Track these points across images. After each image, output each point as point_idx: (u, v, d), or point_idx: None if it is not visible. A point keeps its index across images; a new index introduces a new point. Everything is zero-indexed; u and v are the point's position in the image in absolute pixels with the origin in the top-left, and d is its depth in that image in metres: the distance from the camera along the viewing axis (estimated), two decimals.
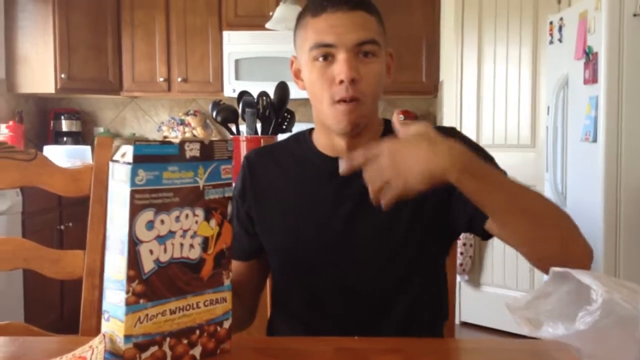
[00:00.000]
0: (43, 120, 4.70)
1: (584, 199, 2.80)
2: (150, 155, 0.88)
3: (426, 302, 1.26)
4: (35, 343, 0.94)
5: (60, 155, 3.92)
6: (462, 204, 1.17)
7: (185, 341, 0.93)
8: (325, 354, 0.99)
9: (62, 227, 3.50)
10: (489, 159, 1.21)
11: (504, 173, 1.17)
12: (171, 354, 0.92)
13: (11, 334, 1.19)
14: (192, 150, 0.93)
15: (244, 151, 2.79)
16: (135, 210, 0.87)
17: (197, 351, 0.94)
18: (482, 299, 3.78)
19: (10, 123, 4.08)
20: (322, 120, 1.23)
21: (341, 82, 1.16)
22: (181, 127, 4.80)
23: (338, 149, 1.25)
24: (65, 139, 4.61)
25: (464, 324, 3.79)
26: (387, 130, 1.27)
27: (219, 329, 0.97)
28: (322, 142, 1.28)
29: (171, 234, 0.90)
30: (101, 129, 4.85)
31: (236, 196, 1.31)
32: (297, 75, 1.28)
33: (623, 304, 0.73)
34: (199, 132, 4.78)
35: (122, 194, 0.87)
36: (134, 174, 0.86)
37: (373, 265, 1.23)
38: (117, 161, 0.88)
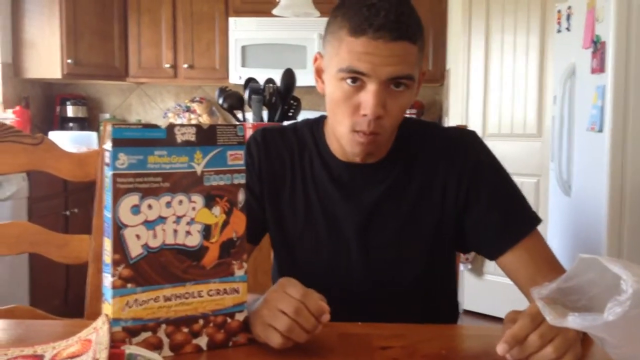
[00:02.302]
0: (49, 106, 4.70)
1: (589, 189, 2.79)
2: (131, 139, 0.88)
3: (438, 306, 1.27)
4: (41, 326, 0.95)
5: (65, 141, 3.93)
6: (477, 235, 1.20)
7: (185, 330, 0.92)
8: (329, 339, 0.99)
9: (68, 212, 3.51)
10: (508, 181, 1.23)
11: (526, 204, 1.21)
12: (169, 342, 0.91)
13: (17, 318, 1.20)
14: (185, 135, 0.91)
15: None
16: (117, 194, 0.87)
17: (202, 341, 0.93)
18: (484, 288, 3.79)
19: (17, 108, 4.10)
20: (337, 136, 1.18)
21: (365, 115, 1.09)
22: (187, 114, 4.80)
23: (351, 157, 1.20)
24: (71, 124, 4.62)
25: (467, 312, 3.80)
26: (403, 131, 1.22)
27: (229, 320, 0.95)
28: (335, 146, 1.24)
29: (161, 219, 0.90)
30: (107, 115, 4.85)
31: (248, 172, 1.21)
32: (319, 74, 1.20)
33: None
34: (204, 119, 4.78)
35: (107, 177, 0.88)
36: (114, 157, 0.87)
37: (384, 273, 1.21)
38: (105, 145, 0.88)
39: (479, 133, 3.89)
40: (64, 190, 3.52)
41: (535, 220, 1.20)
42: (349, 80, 1.10)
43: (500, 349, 0.84)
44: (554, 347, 0.82)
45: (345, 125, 1.13)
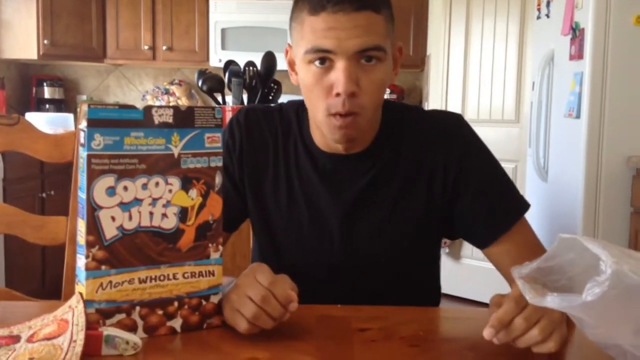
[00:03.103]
0: (25, 87, 4.63)
1: (565, 175, 2.82)
2: (107, 120, 0.87)
3: (420, 294, 1.26)
4: (17, 307, 0.94)
5: (42, 122, 3.87)
6: (465, 225, 1.19)
7: (160, 312, 0.92)
8: (308, 321, 0.99)
9: (44, 195, 3.47)
10: (496, 167, 1.20)
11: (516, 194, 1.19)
12: (143, 324, 0.91)
13: None
14: (162, 116, 0.90)
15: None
16: (92, 175, 0.86)
17: (176, 323, 0.93)
18: (462, 271, 3.82)
19: None
20: (317, 124, 1.14)
21: (338, 94, 1.05)
22: (166, 97, 4.76)
23: (334, 148, 1.17)
24: (47, 106, 4.56)
25: (444, 295, 3.81)
26: (386, 118, 1.19)
27: (204, 302, 0.95)
28: (318, 138, 1.19)
29: (137, 201, 0.89)
30: (84, 97, 4.80)
31: (228, 155, 1.22)
32: (292, 67, 1.16)
33: (631, 275, 0.72)
34: (183, 102, 4.75)
35: (82, 158, 0.87)
36: (90, 138, 0.85)
37: (367, 264, 1.19)
38: (80, 125, 0.87)
39: None
40: (40, 172, 3.48)
41: (523, 207, 1.19)
42: (317, 62, 1.06)
43: (487, 333, 0.84)
44: (539, 329, 0.83)
45: (322, 110, 1.08)
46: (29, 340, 0.84)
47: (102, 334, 0.84)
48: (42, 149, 1.34)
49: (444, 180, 1.17)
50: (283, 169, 1.21)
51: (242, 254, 1.32)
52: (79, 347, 0.81)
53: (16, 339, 0.86)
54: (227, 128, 1.24)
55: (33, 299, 1.23)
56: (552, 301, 0.76)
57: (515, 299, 0.84)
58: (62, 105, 4.63)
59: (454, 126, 1.20)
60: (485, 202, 1.17)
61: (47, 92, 4.57)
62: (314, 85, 1.07)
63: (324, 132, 1.13)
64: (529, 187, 3.27)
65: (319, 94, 1.08)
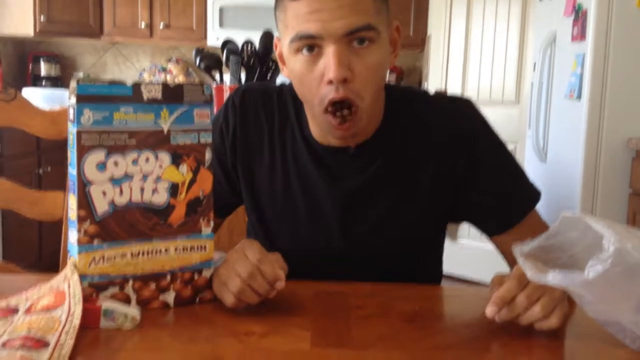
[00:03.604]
0: (21, 64, 4.61)
1: (564, 156, 2.82)
2: (97, 95, 0.86)
3: (420, 279, 1.19)
4: (14, 281, 0.94)
5: (38, 99, 3.85)
6: (474, 215, 1.15)
7: (152, 285, 0.92)
8: (305, 296, 0.99)
9: (41, 171, 3.47)
10: (507, 156, 1.14)
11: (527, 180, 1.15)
12: (136, 297, 0.91)
13: None
14: (151, 92, 0.90)
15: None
16: (82, 151, 0.85)
17: (169, 297, 0.93)
18: (458, 251, 3.83)
19: None
20: (315, 119, 1.07)
21: (330, 82, 0.98)
22: (163, 75, 4.73)
23: (332, 141, 1.10)
24: (44, 82, 4.54)
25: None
26: (390, 106, 1.11)
27: (196, 276, 0.95)
28: (315, 128, 1.12)
29: (128, 176, 0.89)
30: (81, 74, 4.77)
31: (221, 140, 1.17)
32: (282, 59, 1.08)
33: (634, 253, 0.72)
34: (181, 80, 4.72)
35: (71, 134, 0.86)
36: (79, 113, 0.85)
37: (366, 258, 1.14)
38: (70, 101, 0.87)
39: None
40: (37, 148, 3.47)
41: (535, 197, 1.15)
42: (304, 50, 0.98)
43: (489, 311, 0.85)
44: (541, 306, 0.83)
45: (316, 104, 1.01)
46: (27, 312, 0.84)
47: (100, 307, 0.84)
48: (38, 125, 1.33)
49: (454, 171, 1.11)
50: (279, 158, 1.15)
51: (239, 231, 1.32)
52: (76, 320, 0.81)
53: (14, 310, 0.86)
54: (223, 110, 1.19)
55: (30, 272, 1.23)
56: (553, 278, 0.76)
57: (517, 277, 0.84)
58: (58, 82, 4.61)
59: (464, 115, 1.13)
60: (498, 194, 1.12)
61: (44, 69, 4.54)
62: (304, 75, 1.00)
63: (323, 129, 1.07)
64: (528, 168, 3.27)
65: (311, 85, 1.00)
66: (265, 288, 0.89)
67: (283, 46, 1.04)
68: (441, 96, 1.18)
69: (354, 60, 0.98)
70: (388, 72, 0.93)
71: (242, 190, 1.19)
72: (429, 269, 1.25)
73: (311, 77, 1.00)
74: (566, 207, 2.72)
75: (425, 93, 1.19)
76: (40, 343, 0.74)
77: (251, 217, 1.21)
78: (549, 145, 3.02)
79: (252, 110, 1.17)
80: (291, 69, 1.03)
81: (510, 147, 1.15)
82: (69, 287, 0.86)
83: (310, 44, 0.98)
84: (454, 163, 1.11)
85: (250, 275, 0.88)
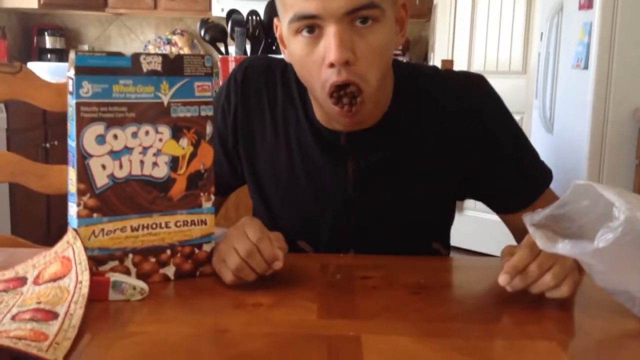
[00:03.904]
0: (26, 37, 4.59)
1: (571, 126, 2.81)
2: (96, 67, 0.85)
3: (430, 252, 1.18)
4: (23, 254, 0.94)
5: (44, 72, 3.82)
6: (487, 196, 1.14)
7: (152, 259, 0.92)
8: (311, 269, 1.00)
9: (48, 145, 3.48)
10: (521, 137, 1.12)
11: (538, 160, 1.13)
12: (136, 271, 0.91)
13: None
14: (151, 64, 0.89)
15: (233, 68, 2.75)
16: (82, 123, 0.85)
17: (169, 271, 0.94)
18: (464, 223, 3.84)
19: None
20: (320, 104, 1.02)
21: (332, 65, 0.93)
22: (168, 47, 4.71)
23: (337, 126, 1.06)
24: (49, 56, 4.53)
25: None
26: (399, 86, 1.07)
27: (197, 251, 0.95)
28: (319, 112, 1.08)
29: (127, 150, 0.89)
30: (85, 47, 4.75)
31: (223, 120, 1.14)
32: (282, 42, 1.04)
33: None
34: (186, 52, 4.70)
35: (71, 106, 0.86)
36: (78, 85, 0.85)
37: (372, 242, 1.11)
38: (68, 73, 0.87)
39: (464, 69, 3.85)
40: (44, 122, 3.47)
41: (548, 177, 1.14)
42: (304, 32, 0.94)
43: (502, 279, 0.85)
44: (552, 275, 0.83)
45: (319, 88, 0.97)
46: (35, 282, 0.85)
47: (109, 280, 0.85)
48: (44, 98, 1.33)
49: (467, 152, 1.08)
50: (282, 139, 1.11)
51: (245, 205, 1.32)
52: (85, 289, 0.82)
53: (22, 280, 0.87)
54: (225, 88, 1.16)
55: (39, 246, 1.24)
56: (563, 247, 0.76)
57: (529, 247, 0.84)
58: (63, 55, 4.59)
59: (478, 95, 1.09)
60: (513, 173, 1.11)
61: (49, 42, 4.53)
62: (305, 58, 0.96)
63: (329, 114, 1.03)
64: (534, 138, 3.26)
65: (312, 68, 0.96)
66: (263, 267, 0.89)
67: (282, 28, 1.00)
68: (452, 74, 1.14)
69: (356, 41, 0.93)
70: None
71: (244, 170, 1.17)
72: (438, 244, 1.22)
73: (312, 60, 0.95)
74: (573, 178, 2.71)
75: (436, 70, 1.14)
76: (50, 315, 0.76)
77: (254, 197, 1.19)
78: (555, 116, 3.01)
79: (254, 88, 1.13)
80: (291, 52, 0.99)
81: (517, 118, 1.14)
82: (73, 253, 0.87)
83: (310, 25, 0.93)
84: (468, 143, 1.08)
85: (249, 254, 0.88)
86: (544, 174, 1.14)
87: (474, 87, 1.10)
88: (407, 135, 1.08)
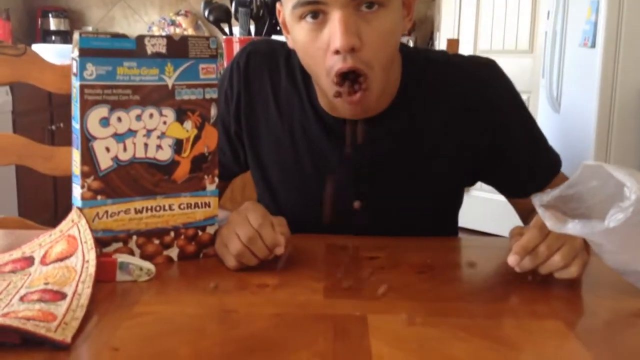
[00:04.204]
0: (30, 19, 4.57)
1: (578, 106, 2.79)
2: (100, 49, 0.85)
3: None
4: (30, 236, 0.95)
5: (49, 54, 3.81)
6: (497, 182, 1.14)
7: (156, 241, 0.93)
8: (317, 249, 1.01)
9: (54, 127, 3.48)
10: (532, 124, 1.11)
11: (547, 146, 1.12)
12: (140, 252, 0.92)
13: (6, 228, 1.21)
14: (156, 46, 0.88)
15: (236, 52, 2.74)
16: (85, 106, 0.85)
17: (173, 252, 0.94)
18: (470, 204, 3.82)
19: None
20: (321, 88, 1.00)
21: (337, 52, 0.91)
22: (172, 28, 4.69)
23: (342, 112, 1.03)
24: (53, 37, 4.51)
25: None
26: (407, 72, 1.05)
27: (200, 233, 0.95)
28: (322, 98, 1.06)
29: (131, 132, 0.89)
30: (89, 29, 4.73)
31: (226, 106, 1.13)
32: (286, 27, 1.01)
33: None
34: (190, 33, 4.68)
35: (75, 88, 0.86)
36: (82, 67, 0.84)
37: (383, 227, 1.08)
38: (72, 54, 0.86)
39: (470, 49, 3.83)
40: (49, 104, 3.47)
41: (558, 164, 1.13)
42: (308, 18, 0.92)
43: (511, 260, 0.85)
44: (561, 255, 0.83)
45: (323, 76, 0.95)
46: (42, 262, 0.86)
47: (116, 261, 0.86)
48: (49, 80, 1.33)
49: (479, 139, 1.07)
50: (287, 127, 1.10)
51: (252, 187, 1.32)
52: (91, 268, 0.82)
53: (30, 261, 0.87)
54: (228, 73, 1.14)
55: (46, 227, 1.25)
56: (573, 228, 0.76)
57: (538, 227, 0.84)
58: (67, 36, 4.58)
59: (490, 82, 1.07)
60: (524, 163, 1.10)
61: (53, 24, 4.51)
62: (309, 44, 0.94)
63: (331, 100, 1.00)
64: (541, 118, 3.24)
65: (316, 55, 0.94)
66: (265, 253, 0.89)
67: (285, 13, 0.98)
68: (462, 60, 1.11)
69: (362, 26, 0.90)
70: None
71: (248, 157, 1.16)
72: (445, 230, 1.21)
73: (316, 47, 0.93)
74: (580, 158, 2.70)
75: (445, 56, 1.12)
76: (58, 295, 0.76)
77: (259, 184, 1.18)
78: (562, 95, 2.99)
79: (257, 75, 1.11)
80: (294, 39, 0.97)
81: (523, 97, 1.13)
82: (79, 232, 0.87)
83: (314, 10, 0.91)
84: (480, 131, 1.07)
85: (250, 240, 0.88)
86: (554, 160, 1.14)
87: (486, 73, 1.08)
88: (415, 123, 1.06)
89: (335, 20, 0.89)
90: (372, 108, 1.02)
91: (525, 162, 1.10)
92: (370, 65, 0.93)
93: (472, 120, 1.06)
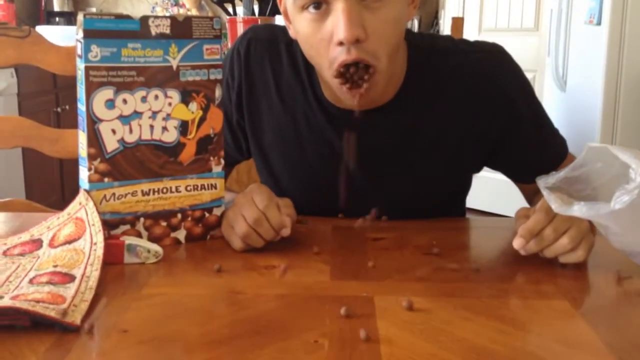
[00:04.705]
0: (34, 0, 4.55)
1: (584, 84, 2.77)
2: (104, 31, 0.85)
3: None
4: (38, 218, 0.95)
5: (54, 36, 3.81)
6: (505, 168, 1.13)
7: (164, 223, 0.93)
8: (323, 231, 1.01)
9: (59, 109, 3.48)
10: (539, 110, 1.10)
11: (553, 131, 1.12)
12: (147, 234, 0.92)
13: (14, 211, 1.22)
14: (160, 27, 0.88)
15: (240, 33, 2.73)
16: (91, 88, 0.85)
17: (180, 234, 0.95)
18: (476, 184, 3.83)
19: (1, 2, 3.96)
20: (328, 83, 0.98)
21: (341, 43, 0.88)
22: (175, 8, 4.66)
23: (347, 103, 1.00)
24: (57, 19, 4.50)
25: None
26: (412, 59, 1.03)
27: (207, 215, 0.96)
28: (328, 90, 1.04)
29: (137, 114, 0.89)
30: (93, 9, 4.71)
31: (227, 95, 1.11)
32: (288, 17, 0.99)
33: None
34: (193, 14, 4.65)
35: (80, 70, 0.86)
36: (86, 49, 0.84)
37: (389, 215, 1.07)
38: (77, 36, 0.86)
39: (475, 28, 3.81)
40: (54, 86, 3.47)
41: (565, 149, 1.13)
42: (310, 8, 0.89)
43: (517, 243, 0.85)
44: (569, 238, 0.83)
45: (326, 68, 0.93)
46: (51, 244, 0.87)
47: (124, 243, 0.86)
48: (54, 62, 1.33)
49: (489, 127, 1.06)
50: (290, 117, 1.08)
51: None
52: (99, 250, 0.83)
53: (38, 243, 0.88)
54: (228, 61, 1.12)
55: (54, 210, 1.26)
56: (579, 210, 0.76)
57: (544, 210, 0.84)
58: (72, 18, 4.56)
59: (499, 70, 1.05)
60: (533, 150, 1.09)
61: (57, 5, 4.49)
62: (311, 35, 0.91)
63: (338, 94, 0.98)
64: (546, 97, 3.22)
65: (319, 46, 0.92)
66: (271, 234, 0.89)
67: (287, 3, 0.96)
68: (470, 47, 1.08)
69: (367, 16, 0.88)
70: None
71: (251, 145, 1.15)
72: (451, 214, 1.19)
73: (318, 38, 0.91)
74: (586, 137, 2.69)
75: (452, 42, 1.09)
76: (67, 277, 0.77)
77: (262, 173, 1.17)
78: (568, 73, 2.97)
79: (257, 64, 1.09)
80: (296, 29, 0.95)
81: (529, 75, 1.12)
82: (86, 214, 0.88)
83: (317, 0, 0.89)
84: (489, 120, 1.05)
85: (256, 221, 0.88)
86: (562, 146, 1.13)
87: (494, 62, 1.06)
88: (422, 112, 1.05)
89: (338, 11, 0.87)
90: (378, 98, 1.01)
91: (533, 151, 1.10)
92: (376, 55, 0.91)
93: (479, 109, 1.05)
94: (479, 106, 1.05)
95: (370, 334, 0.65)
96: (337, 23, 0.87)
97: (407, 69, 1.04)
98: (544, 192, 0.81)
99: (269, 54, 1.09)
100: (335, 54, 0.90)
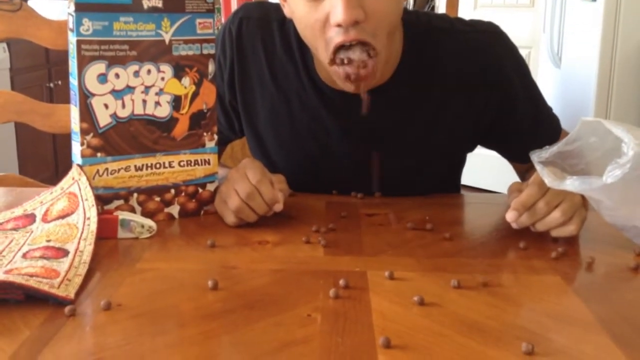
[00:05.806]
0: None
1: (579, 60, 2.77)
2: (96, 4, 0.84)
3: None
4: (32, 193, 0.95)
5: (45, 9, 3.78)
6: (500, 147, 1.13)
7: (157, 199, 0.93)
8: (317, 207, 1.01)
9: (52, 84, 3.46)
10: (535, 91, 1.10)
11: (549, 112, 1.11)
12: (141, 210, 0.92)
13: (7, 186, 1.21)
14: (151, 0, 0.88)
15: (235, 7, 2.70)
16: (83, 62, 0.85)
17: (174, 210, 0.95)
18: (470, 161, 3.83)
19: None
20: (324, 66, 0.95)
21: (338, 25, 0.86)
22: None
23: (341, 86, 0.98)
24: None
25: None
26: (409, 40, 1.02)
27: (200, 190, 0.96)
28: (323, 72, 1.02)
29: (130, 89, 0.88)
30: None
31: (219, 74, 1.09)
32: None
33: None
34: None
35: (71, 44, 0.85)
36: (78, 23, 0.84)
37: (384, 192, 1.08)
38: (68, 9, 0.85)
39: (470, 4, 3.78)
40: (47, 61, 3.44)
41: (558, 129, 1.12)
42: None
43: (510, 216, 0.85)
44: (561, 212, 0.83)
45: (322, 49, 0.91)
46: (44, 219, 0.86)
47: (117, 218, 0.86)
48: (46, 36, 1.32)
49: (483, 110, 1.06)
50: (283, 98, 1.07)
51: None
52: (93, 225, 0.83)
53: (31, 218, 0.88)
54: (220, 39, 1.09)
55: (47, 185, 1.25)
56: (571, 184, 0.77)
57: (537, 184, 0.84)
58: None
59: (495, 51, 1.04)
60: (529, 130, 1.09)
61: None
62: (307, 16, 0.89)
63: (334, 78, 0.96)
64: (541, 73, 3.21)
65: (315, 27, 0.89)
66: (264, 208, 0.89)
67: None
68: (467, 26, 1.07)
69: None
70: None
71: (243, 125, 1.14)
72: (446, 190, 1.18)
73: (315, 19, 0.88)
74: (580, 113, 2.69)
75: (448, 21, 1.08)
76: (60, 252, 0.77)
77: (256, 153, 1.16)
78: (563, 50, 2.96)
79: (249, 43, 1.07)
80: (292, 9, 0.93)
81: (524, 52, 1.12)
82: (79, 189, 0.87)
83: None
84: (485, 100, 1.05)
85: (249, 196, 0.88)
86: (556, 125, 1.13)
87: (490, 42, 1.05)
88: (419, 91, 1.04)
89: None
90: (374, 80, 0.98)
91: (528, 132, 1.09)
92: (375, 34, 0.89)
93: (476, 88, 1.04)
94: (476, 86, 1.04)
95: (363, 309, 0.66)
96: (335, 4, 0.85)
97: (403, 49, 1.02)
98: (538, 167, 0.82)
99: (261, 32, 1.07)
100: (331, 34, 0.88)
